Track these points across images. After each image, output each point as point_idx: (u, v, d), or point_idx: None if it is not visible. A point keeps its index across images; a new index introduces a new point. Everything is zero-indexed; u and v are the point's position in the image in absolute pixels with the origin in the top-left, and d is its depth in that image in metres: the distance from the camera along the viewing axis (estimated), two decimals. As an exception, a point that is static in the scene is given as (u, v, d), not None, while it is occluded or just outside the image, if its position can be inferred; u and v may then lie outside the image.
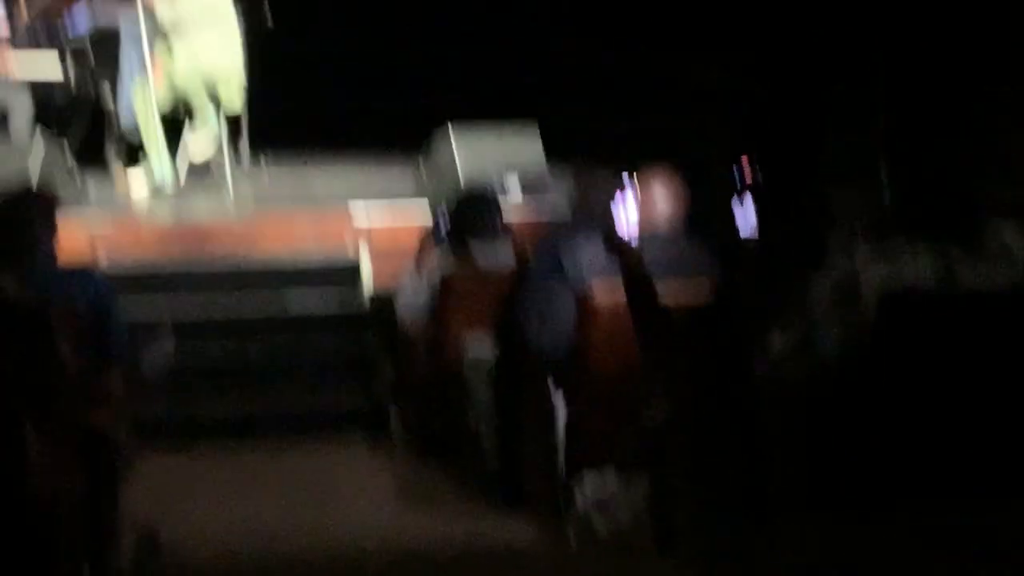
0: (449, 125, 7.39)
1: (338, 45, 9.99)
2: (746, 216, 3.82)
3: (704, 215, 4.44)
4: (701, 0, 8.88)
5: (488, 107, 7.82)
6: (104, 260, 6.58)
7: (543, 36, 10.00)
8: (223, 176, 8.13)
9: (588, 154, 8.42)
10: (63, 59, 8.43)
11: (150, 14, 8.09)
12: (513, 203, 7.02)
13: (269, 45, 8.58)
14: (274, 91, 9.00)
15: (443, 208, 5.93)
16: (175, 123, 8.18)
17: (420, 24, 9.88)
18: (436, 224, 5.89)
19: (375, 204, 7.18)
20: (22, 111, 8.24)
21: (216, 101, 8.09)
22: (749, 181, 3.90)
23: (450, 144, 7.38)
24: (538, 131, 7.68)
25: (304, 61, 9.62)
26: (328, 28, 9.92)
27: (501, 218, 5.79)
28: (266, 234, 7.06)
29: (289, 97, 9.38)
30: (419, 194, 7.47)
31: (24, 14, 8.57)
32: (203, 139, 8.09)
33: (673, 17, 9.52)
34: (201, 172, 8.33)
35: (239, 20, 8.33)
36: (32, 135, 8.18)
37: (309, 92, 9.64)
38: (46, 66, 8.44)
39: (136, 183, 8.15)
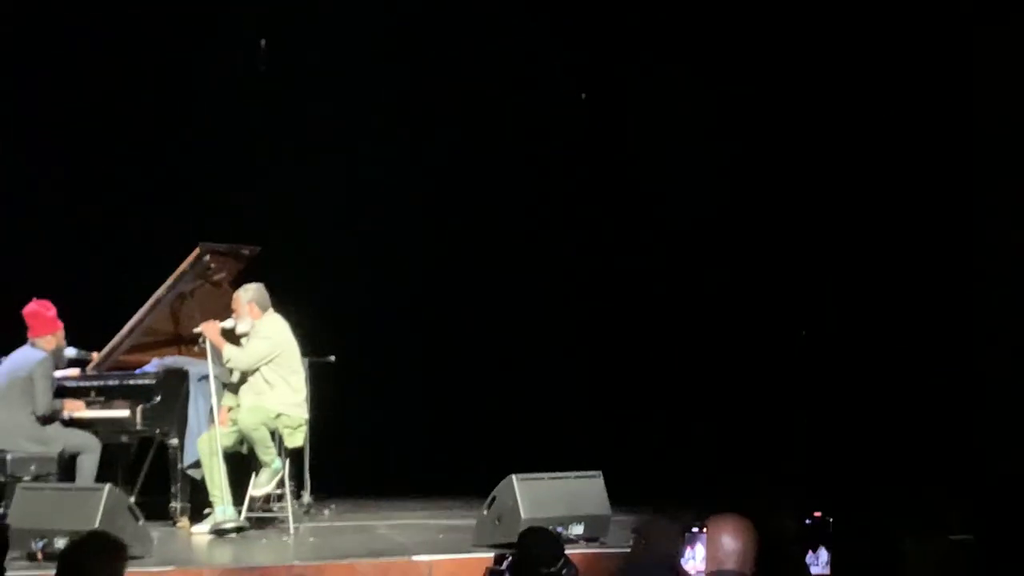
0: (513, 476, 7.36)
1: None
2: (820, 568, 3.70)
3: (776, 566, 4.32)
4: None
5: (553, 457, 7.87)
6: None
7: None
8: (285, 516, 8.18)
9: (654, 502, 8.49)
10: (130, 397, 8.61)
11: (220, 362, 8.33)
12: (578, 551, 6.90)
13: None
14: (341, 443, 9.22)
15: (508, 557, 5.81)
16: (238, 459, 8.30)
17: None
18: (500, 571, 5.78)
19: (439, 558, 7.06)
20: (91, 452, 8.38)
21: (279, 440, 8.22)
22: (821, 534, 3.81)
23: (514, 493, 7.32)
24: (602, 479, 7.64)
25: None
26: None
27: (566, 562, 5.67)
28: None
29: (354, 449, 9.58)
30: (482, 545, 7.38)
31: (95, 360, 8.87)
32: (265, 475, 8.16)
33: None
34: (263, 511, 8.41)
35: (307, 370, 8.61)
36: (96, 475, 8.34)
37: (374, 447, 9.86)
38: (115, 407, 8.62)
39: (198, 523, 8.19)
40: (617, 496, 7.74)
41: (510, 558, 5.71)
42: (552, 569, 5.49)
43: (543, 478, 7.52)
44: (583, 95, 10.41)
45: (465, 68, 10.64)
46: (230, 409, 8.35)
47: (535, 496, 7.37)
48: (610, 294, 10.99)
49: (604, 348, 10.86)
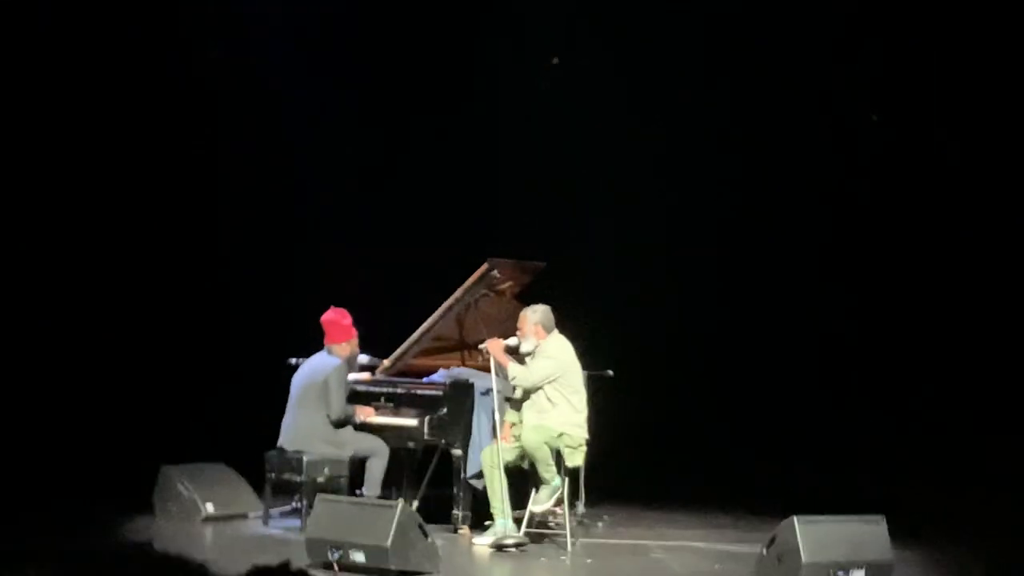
0: (794, 517, 7.33)
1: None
2: None
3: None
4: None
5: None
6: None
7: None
8: (561, 532, 8.36)
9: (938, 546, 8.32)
10: (418, 406, 8.91)
11: (503, 378, 8.55)
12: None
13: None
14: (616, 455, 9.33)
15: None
16: (518, 473, 8.52)
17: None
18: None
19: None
20: (380, 457, 8.75)
21: (559, 458, 8.39)
22: None
23: (795, 534, 7.30)
24: (885, 524, 7.52)
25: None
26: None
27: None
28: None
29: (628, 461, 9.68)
30: (760, 582, 7.40)
31: (385, 365, 9.21)
32: (544, 492, 8.36)
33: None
34: (540, 526, 8.61)
35: (587, 387, 8.73)
36: (381, 486, 8.71)
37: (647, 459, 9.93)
38: (403, 415, 8.96)
39: (480, 536, 8.45)
40: (899, 539, 7.63)
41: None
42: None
43: (825, 520, 7.46)
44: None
45: (759, 88, 10.53)
46: (512, 425, 8.57)
47: (816, 538, 7.32)
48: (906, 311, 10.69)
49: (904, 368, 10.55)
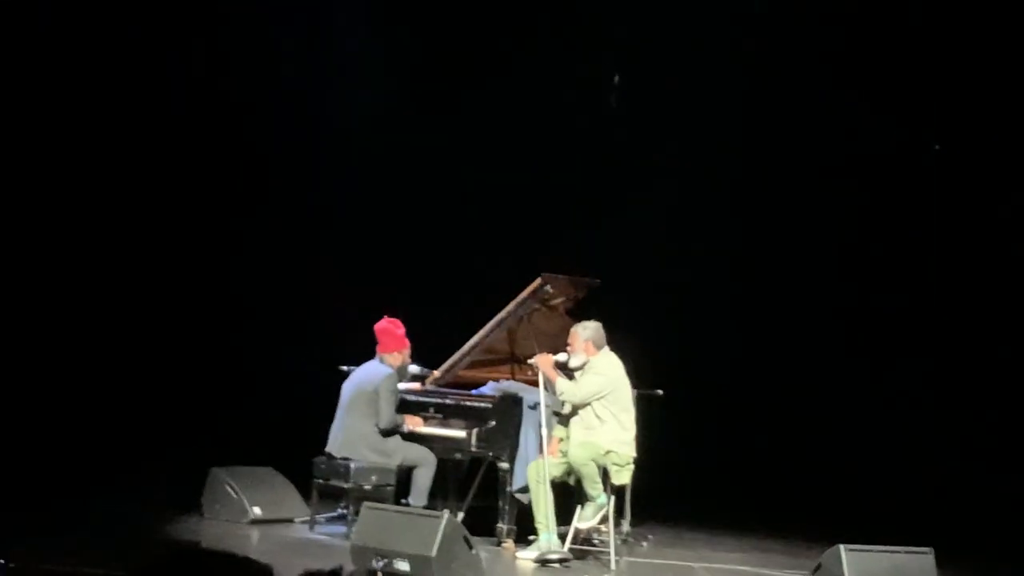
0: (840, 546, 7.29)
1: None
2: None
3: None
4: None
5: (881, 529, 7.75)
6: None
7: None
8: (605, 549, 8.36)
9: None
10: (467, 418, 8.94)
11: (552, 393, 8.55)
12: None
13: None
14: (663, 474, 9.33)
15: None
16: (564, 489, 8.51)
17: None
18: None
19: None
20: (427, 467, 8.79)
21: (606, 476, 8.39)
22: None
23: (840, 563, 7.27)
24: (932, 557, 7.48)
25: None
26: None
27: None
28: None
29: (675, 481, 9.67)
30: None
31: (436, 375, 9.25)
32: (590, 509, 8.36)
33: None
34: (584, 543, 8.61)
35: (637, 408, 8.73)
36: (428, 495, 8.75)
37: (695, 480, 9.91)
38: (452, 426, 8.99)
39: (524, 550, 8.45)
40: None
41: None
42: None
43: (871, 550, 7.41)
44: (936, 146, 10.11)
45: (809, 112, 10.50)
46: (560, 440, 8.58)
47: (862, 568, 7.28)
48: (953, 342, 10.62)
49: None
